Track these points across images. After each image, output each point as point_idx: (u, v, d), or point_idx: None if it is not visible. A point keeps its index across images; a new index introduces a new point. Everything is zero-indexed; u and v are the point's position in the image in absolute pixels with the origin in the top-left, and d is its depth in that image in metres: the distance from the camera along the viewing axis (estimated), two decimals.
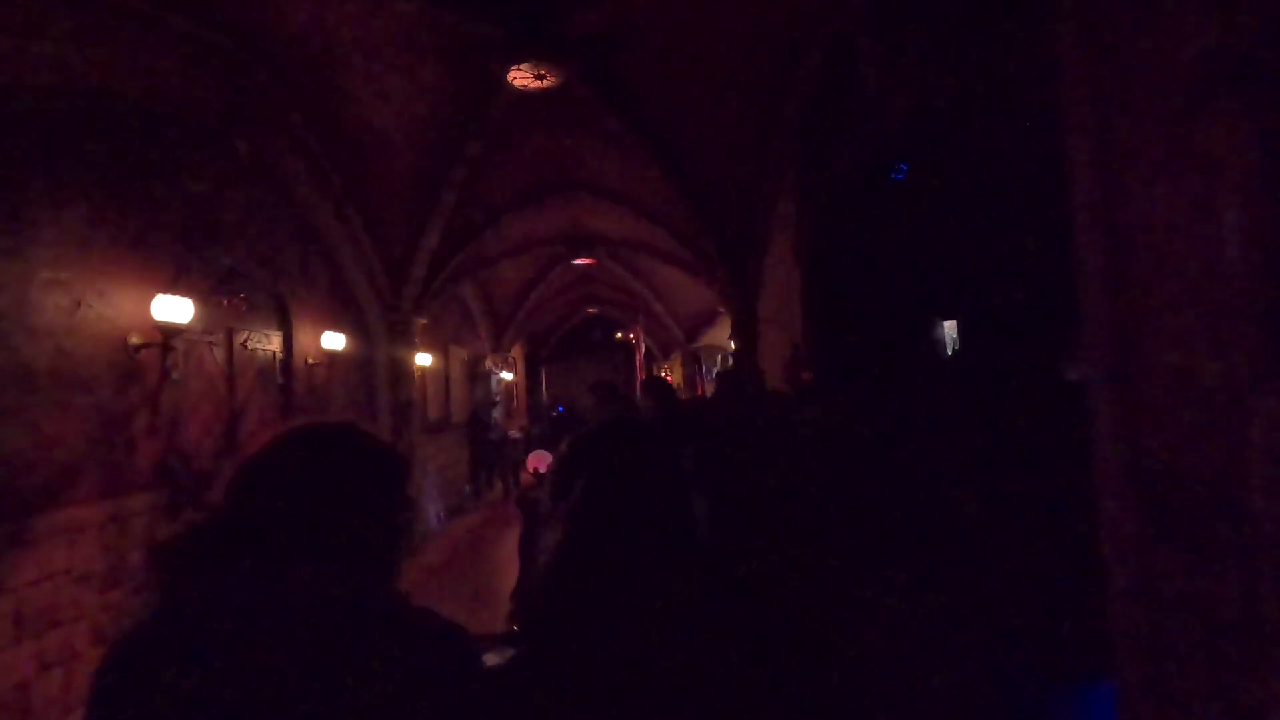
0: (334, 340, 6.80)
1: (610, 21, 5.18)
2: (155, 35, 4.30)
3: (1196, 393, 1.13)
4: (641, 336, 16.49)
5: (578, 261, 12.89)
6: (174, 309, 4.25)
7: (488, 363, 14.30)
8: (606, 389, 5.21)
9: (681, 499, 1.06)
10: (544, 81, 5.72)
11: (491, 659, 1.01)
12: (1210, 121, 1.09)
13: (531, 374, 21.76)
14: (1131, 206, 1.33)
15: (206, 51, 4.79)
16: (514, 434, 14.28)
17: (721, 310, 10.92)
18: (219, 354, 5.16)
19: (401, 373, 8.66)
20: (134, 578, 4.03)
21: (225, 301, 5.26)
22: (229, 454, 5.17)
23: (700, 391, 15.74)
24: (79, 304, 3.78)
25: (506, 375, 15.93)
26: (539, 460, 3.90)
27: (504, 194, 8.54)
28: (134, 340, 4.14)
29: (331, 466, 0.97)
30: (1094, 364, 1.50)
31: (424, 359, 9.61)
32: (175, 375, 4.59)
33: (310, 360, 6.49)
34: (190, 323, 4.45)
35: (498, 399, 14.43)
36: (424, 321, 9.07)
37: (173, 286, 4.40)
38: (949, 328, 6.89)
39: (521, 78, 5.69)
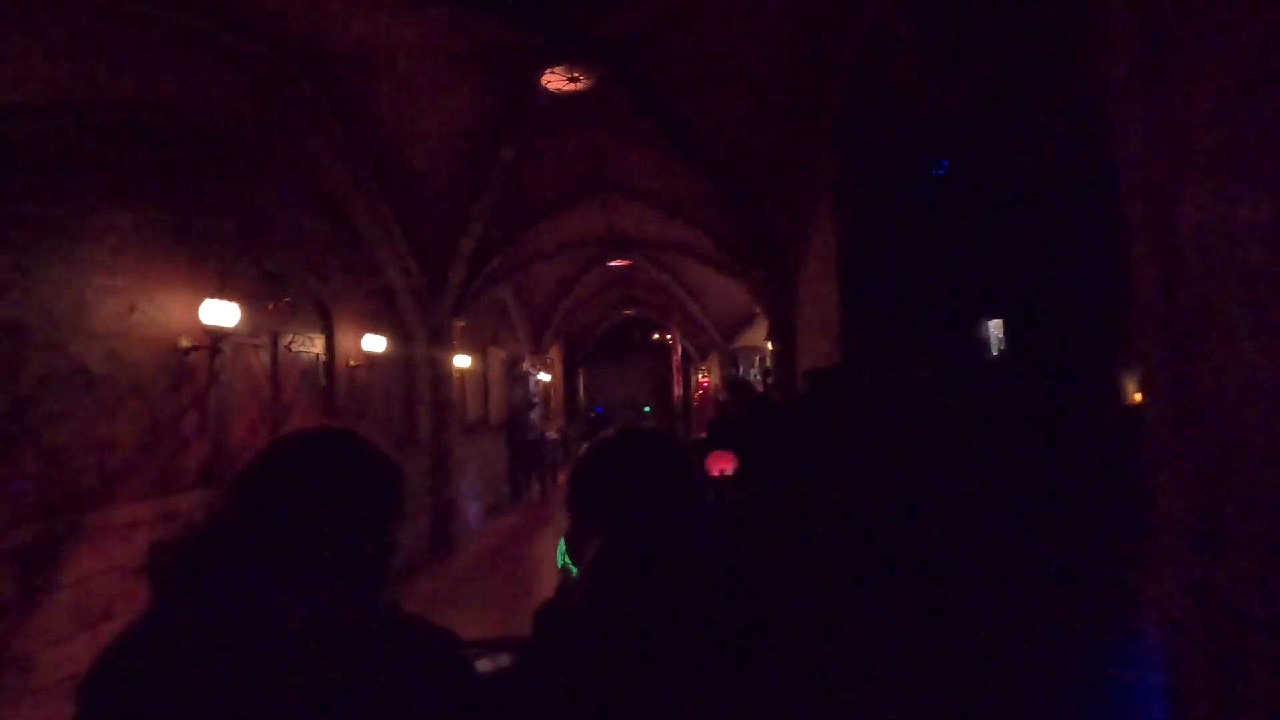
0: (374, 342, 6.94)
1: (642, 24, 5.17)
2: (204, 51, 4.46)
3: (1260, 393, 1.05)
4: (678, 338, 16.44)
5: (614, 263, 12.94)
6: (221, 313, 4.38)
7: (526, 364, 14.43)
8: (742, 386, 5.43)
9: (697, 509, 1.05)
10: (577, 84, 5.74)
11: (485, 665, 1.00)
12: (1274, 100, 1.01)
13: (569, 375, 21.90)
14: (1187, 194, 1.25)
15: (251, 65, 4.94)
16: (551, 435, 14.38)
17: (758, 311, 10.80)
18: (264, 356, 5.31)
19: (440, 374, 8.80)
20: None
21: (270, 305, 5.41)
22: None
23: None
24: (132, 309, 3.93)
25: (544, 376, 16.05)
26: (724, 462, 3.79)
27: (540, 197, 8.61)
28: (184, 343, 4.29)
29: (328, 473, 0.97)
30: (1147, 362, 1.42)
31: (462, 360, 9.74)
32: (223, 377, 4.74)
33: (352, 362, 6.64)
34: (236, 326, 4.60)
35: (536, 400, 14.56)
36: (462, 324, 9.20)
37: (220, 291, 4.55)
38: (994, 327, 6.68)
39: (555, 81, 5.73)
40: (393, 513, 1.03)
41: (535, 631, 0.95)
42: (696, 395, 19.14)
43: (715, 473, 3.96)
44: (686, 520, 1.02)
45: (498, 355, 12.75)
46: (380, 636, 0.87)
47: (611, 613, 0.90)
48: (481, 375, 11.65)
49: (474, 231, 7.97)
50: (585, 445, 1.12)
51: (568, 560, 1.17)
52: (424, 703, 0.84)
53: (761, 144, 6.66)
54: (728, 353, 15.91)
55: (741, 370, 16.41)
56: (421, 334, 8.56)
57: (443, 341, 8.82)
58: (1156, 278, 1.39)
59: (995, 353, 6.62)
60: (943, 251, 6.24)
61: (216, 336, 4.42)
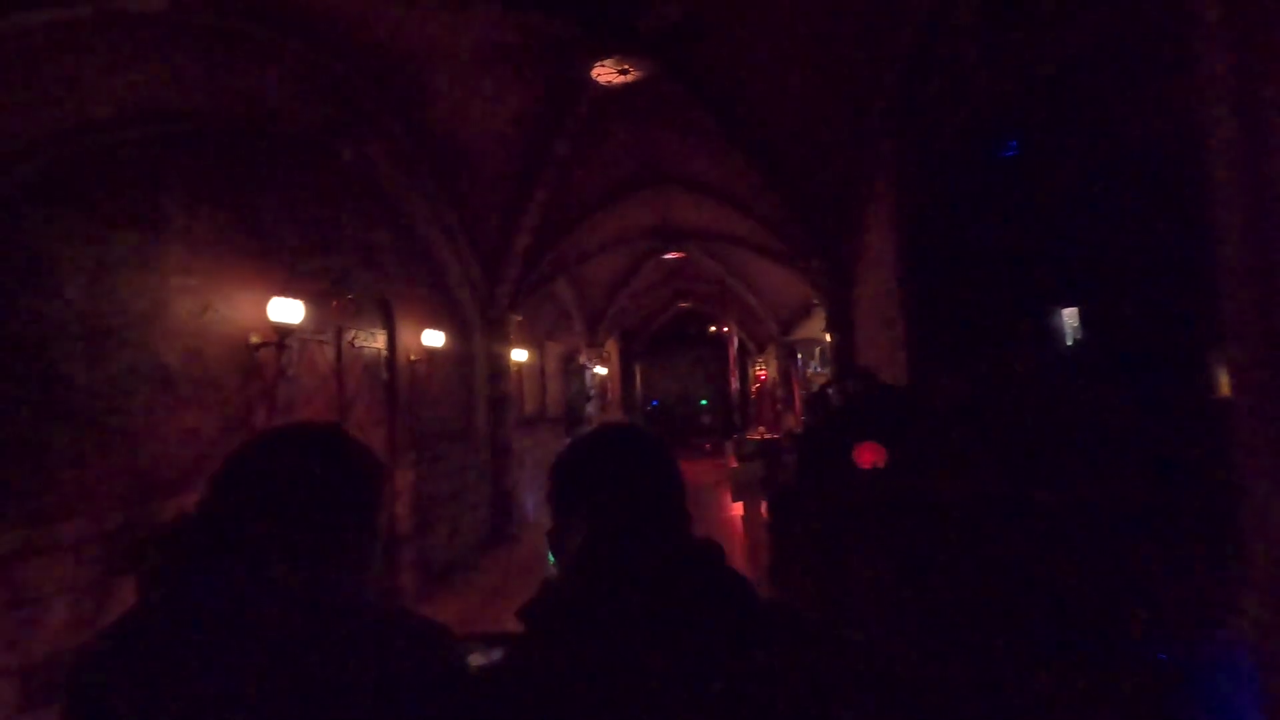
0: (434, 337, 7.12)
1: (690, 12, 5.09)
2: (270, 59, 4.64)
3: None
4: (734, 330, 16.26)
5: (668, 256, 12.89)
6: (287, 310, 4.57)
7: (582, 357, 14.57)
8: (864, 375, 5.41)
9: (681, 504, 1.04)
10: (627, 76, 5.71)
11: (478, 659, 1.00)
12: None
13: (625, 368, 21.99)
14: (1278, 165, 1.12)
15: (314, 71, 5.11)
16: None
17: (816, 302, 10.56)
18: (329, 352, 5.52)
19: (498, 368, 8.97)
20: None
21: (334, 303, 5.61)
22: None
23: (795, 387, 15.33)
24: (206, 307, 4.14)
25: (600, 370, 16.17)
26: (874, 454, 3.76)
27: (593, 191, 8.64)
28: (253, 340, 4.49)
29: (313, 467, 0.97)
30: (1238, 354, 1.29)
31: (519, 354, 9.90)
32: (290, 372, 4.95)
33: (412, 357, 6.83)
34: (302, 323, 4.78)
35: (592, 393, 14.68)
36: (519, 318, 9.35)
37: (286, 289, 4.74)
38: (1068, 316, 6.33)
39: (605, 74, 5.72)
40: (375, 506, 1.03)
41: (522, 627, 0.94)
42: (754, 388, 18.91)
43: (866, 465, 3.86)
44: (669, 516, 1.01)
45: (554, 349, 12.90)
46: (369, 630, 0.87)
47: (594, 609, 0.90)
48: (538, 369, 11.82)
49: (528, 226, 8.06)
50: (567, 441, 1.11)
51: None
52: (413, 697, 0.83)
53: (817, 130, 6.48)
54: (785, 345, 15.63)
55: (800, 362, 16.12)
56: (479, 329, 8.74)
57: (500, 336, 8.98)
58: (1251, 265, 1.26)
59: (1070, 343, 6.28)
60: (1011, 236, 5.94)
61: (283, 333, 4.61)
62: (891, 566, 3.49)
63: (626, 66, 5.57)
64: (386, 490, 1.11)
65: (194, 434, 3.96)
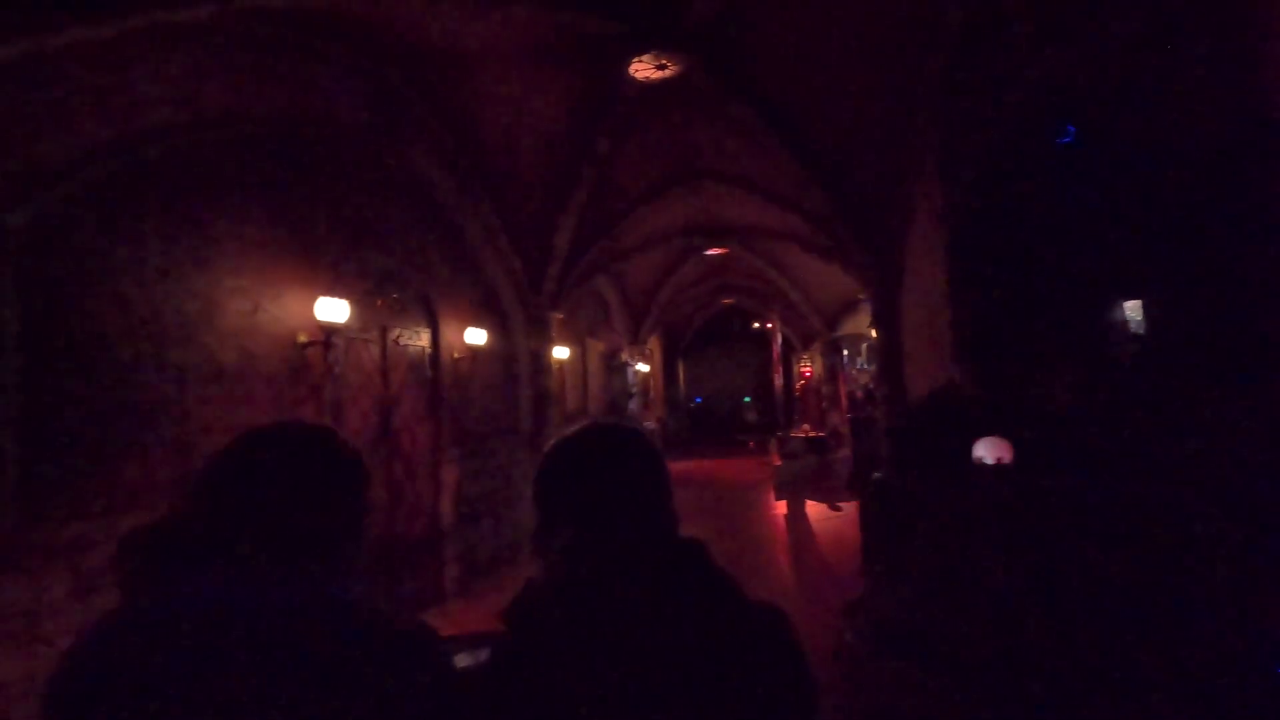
0: (477, 335, 7.23)
1: (728, 5, 5.02)
2: (315, 64, 4.78)
3: None
4: (778, 326, 16.06)
5: (710, 252, 12.80)
6: (333, 309, 4.70)
7: (624, 355, 14.61)
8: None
9: (668, 504, 1.03)
10: (666, 72, 5.68)
11: (465, 660, 1.00)
12: None
13: (669, 365, 21.98)
14: None
15: (359, 75, 5.25)
16: (649, 425, 14.48)
17: (862, 297, 10.33)
18: (374, 350, 5.65)
19: (540, 366, 9.05)
20: None
21: (379, 302, 5.75)
22: (385, 440, 5.67)
23: (841, 384, 15.05)
24: (256, 307, 4.29)
25: (643, 367, 16.19)
26: (1002, 450, 3.72)
27: (633, 188, 8.64)
28: (301, 338, 4.64)
29: (297, 467, 0.96)
30: None
31: (561, 352, 9.97)
32: (337, 369, 5.09)
33: (456, 354, 6.95)
34: (348, 322, 4.92)
35: (634, 390, 14.71)
36: (560, 316, 9.41)
37: (332, 289, 4.88)
38: (1131, 309, 6.03)
39: (643, 70, 5.70)
40: (360, 506, 1.02)
41: (506, 628, 0.94)
42: (798, 385, 18.65)
43: (993, 461, 3.76)
44: (653, 516, 1.00)
45: (596, 346, 12.97)
46: (354, 633, 0.86)
47: (576, 610, 0.89)
48: (580, 366, 11.90)
49: (569, 225, 8.10)
50: (551, 441, 1.10)
51: None
52: (399, 698, 0.83)
53: (860, 120, 6.33)
54: (830, 341, 15.36)
55: (847, 359, 15.81)
56: (521, 327, 8.83)
57: (542, 334, 9.06)
58: None
59: (1134, 336, 5.98)
60: (1068, 226, 5.69)
61: (329, 331, 4.75)
62: (1022, 569, 3.36)
63: (664, 61, 5.54)
64: (372, 490, 1.08)
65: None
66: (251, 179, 4.35)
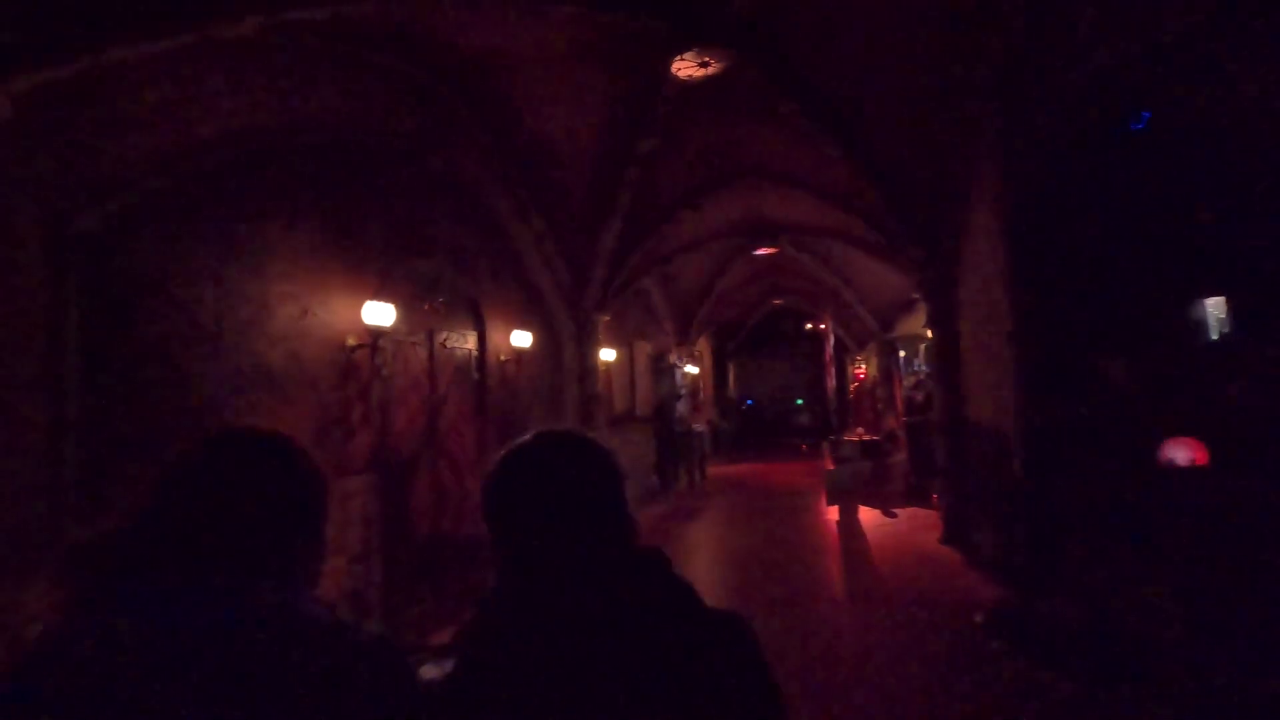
0: (522, 338, 7.29)
1: None
2: (363, 74, 4.89)
3: None
4: (831, 327, 15.69)
5: (759, 252, 12.60)
6: (380, 313, 4.80)
7: (672, 356, 14.53)
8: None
9: (623, 512, 1.01)
10: (708, 69, 5.59)
11: (430, 671, 0.98)
12: None
13: (719, 367, 21.78)
14: None
15: (403, 83, 5.34)
16: (698, 427, 14.35)
17: (917, 296, 9.98)
18: (421, 353, 5.75)
19: (586, 368, 9.08)
20: (351, 549, 4.63)
21: (426, 305, 5.85)
22: (432, 441, 5.75)
23: (896, 386, 14.60)
24: (305, 312, 4.41)
25: (692, 369, 16.08)
26: (1195, 451, 3.60)
27: (679, 188, 8.57)
28: (350, 342, 4.74)
29: (255, 475, 0.93)
30: None
31: (608, 354, 9.98)
32: (385, 372, 5.19)
33: (502, 357, 7.02)
34: (395, 325, 5.01)
35: (683, 392, 14.61)
36: (606, 318, 9.42)
37: (379, 293, 4.98)
38: (1213, 306, 5.61)
39: (686, 68, 5.62)
40: (319, 515, 1.00)
41: (461, 646, 0.93)
42: (852, 387, 18.19)
43: (1185, 462, 3.59)
44: (606, 526, 0.98)
45: (644, 348, 12.94)
46: (315, 644, 0.84)
47: (531, 625, 0.89)
48: (627, 368, 11.88)
49: (613, 227, 8.09)
50: (500, 451, 1.06)
51: None
52: (362, 711, 0.82)
53: (913, 109, 6.10)
54: (885, 342, 14.91)
55: (902, 360, 15.33)
56: (567, 329, 8.87)
57: (587, 336, 9.08)
58: None
59: (1216, 336, 5.57)
60: (1143, 218, 5.34)
61: (376, 335, 4.84)
62: (1222, 576, 3.18)
63: (707, 59, 5.45)
64: (330, 500, 1.04)
65: (294, 430, 4.21)
66: (302, 187, 4.48)
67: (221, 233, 3.85)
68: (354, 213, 4.97)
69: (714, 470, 15.59)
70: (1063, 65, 4.56)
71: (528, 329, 7.47)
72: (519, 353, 7.28)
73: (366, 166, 5.23)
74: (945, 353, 7.73)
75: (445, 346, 6.10)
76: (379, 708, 0.83)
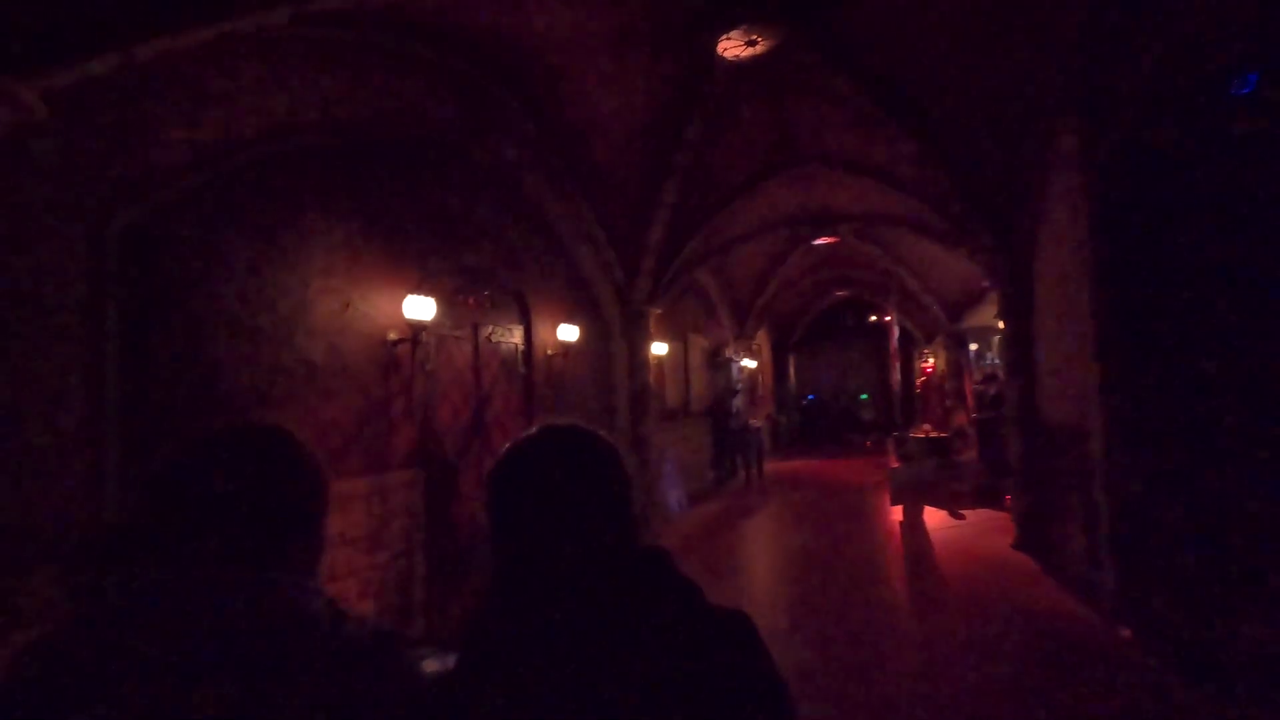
0: (571, 332, 7.19)
1: None
2: (405, 68, 4.85)
3: None
4: (895, 319, 15.05)
5: (819, 241, 12.15)
6: (421, 307, 4.76)
7: (728, 350, 14.22)
8: None
9: (626, 509, 1.00)
10: (756, 48, 5.33)
11: (433, 665, 0.96)
12: None
13: (779, 361, 21.29)
14: None
15: (445, 75, 5.28)
16: (755, 423, 14.02)
17: (988, 285, 9.38)
18: (466, 347, 5.72)
19: (637, 362, 8.92)
20: (394, 544, 4.63)
21: (470, 300, 5.81)
22: (477, 436, 5.72)
23: (967, 381, 13.86)
24: (346, 306, 4.41)
25: (749, 363, 15.72)
26: None
27: (732, 176, 8.29)
28: (392, 336, 4.73)
29: (255, 469, 0.94)
30: None
31: (659, 348, 9.80)
32: (429, 367, 5.17)
33: (549, 351, 6.94)
34: (439, 319, 4.98)
35: (739, 387, 14.29)
36: (658, 311, 9.24)
37: (422, 287, 4.95)
38: None
39: (733, 47, 5.37)
40: (320, 508, 1.00)
41: (461, 643, 0.92)
42: (919, 382, 17.40)
43: None
44: (608, 521, 0.96)
45: (699, 342, 12.69)
46: (317, 638, 0.84)
47: (531, 622, 0.88)
48: (681, 362, 11.68)
49: (663, 217, 7.89)
50: (506, 445, 1.05)
51: None
52: (364, 705, 0.82)
53: (981, 83, 5.64)
54: (954, 334, 14.18)
55: (973, 353, 14.55)
56: (617, 323, 8.74)
57: (638, 329, 8.92)
58: None
59: None
60: (1248, 198, 4.77)
61: (417, 329, 4.82)
62: None
63: (754, 36, 5.19)
64: (328, 491, 1.04)
65: (335, 425, 4.23)
66: (341, 180, 4.48)
67: (260, 228, 3.87)
68: (395, 207, 4.96)
69: (773, 466, 15.23)
70: (1154, 23, 4.08)
71: (575, 322, 7.37)
72: (566, 347, 7.18)
73: (408, 160, 5.22)
74: (1018, 345, 7.21)
75: (490, 340, 6.06)
76: (377, 699, 0.83)
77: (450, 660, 0.93)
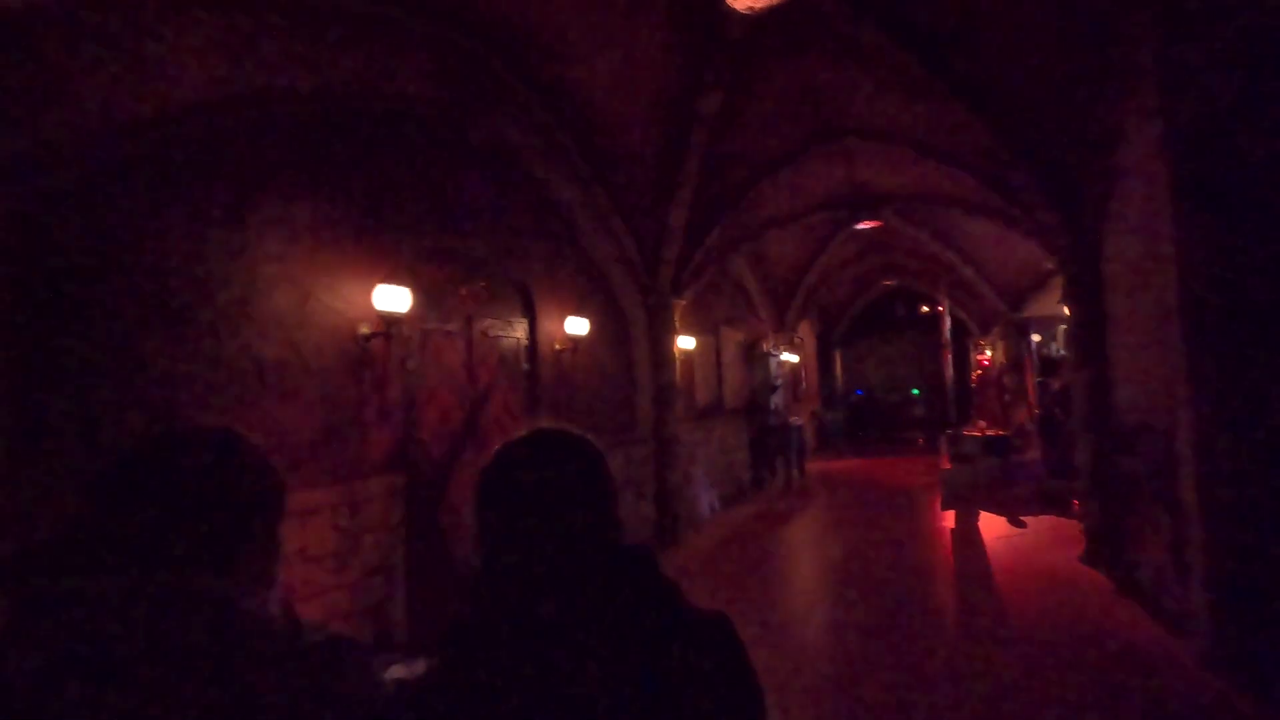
0: (582, 325, 6.67)
1: None
2: (390, 37, 4.41)
3: None
4: (947, 308, 14.02)
5: (861, 226, 11.32)
6: (394, 298, 4.31)
7: (767, 344, 13.48)
8: None
9: (610, 515, 1.00)
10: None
11: (398, 671, 0.96)
12: None
13: (823, 355, 20.35)
14: None
15: (439, 48, 4.83)
16: (796, 420, 13.24)
17: (1052, 266, 8.45)
18: (458, 343, 5.26)
19: (661, 357, 8.34)
20: (367, 561, 4.20)
21: (463, 290, 5.34)
22: (469, 441, 5.26)
23: (1028, 374, 12.78)
24: (307, 297, 3.98)
25: (789, 357, 14.92)
26: None
27: (759, 153, 7.61)
28: (364, 330, 4.29)
29: (205, 473, 0.91)
30: None
31: (687, 342, 9.19)
32: (410, 365, 4.73)
33: (557, 346, 6.44)
34: (419, 312, 4.53)
35: (778, 382, 13.53)
36: (684, 301, 8.63)
37: (399, 277, 4.49)
38: None
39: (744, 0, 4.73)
40: (275, 514, 0.98)
41: (441, 646, 0.91)
42: (974, 375, 16.25)
43: None
44: (589, 524, 0.97)
45: (732, 335, 12.01)
46: (277, 646, 0.83)
47: (510, 620, 0.89)
48: (713, 357, 11.04)
49: (684, 199, 7.28)
50: (495, 449, 1.04)
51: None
52: (319, 710, 0.81)
53: (1039, 32, 4.85)
54: (1014, 323, 13.10)
55: (1035, 345, 13.43)
56: (638, 315, 8.18)
57: (662, 322, 8.34)
58: None
59: None
60: None
61: (390, 322, 4.36)
62: None
63: None
64: (282, 496, 0.99)
65: (293, 429, 3.81)
66: (305, 159, 4.05)
67: (198, 209, 3.45)
68: (373, 190, 4.50)
69: (817, 466, 14.43)
70: None
71: (588, 315, 6.85)
72: (577, 341, 6.66)
73: (397, 139, 4.77)
74: (1088, 333, 6.34)
75: (488, 335, 5.58)
76: (335, 706, 0.82)
77: (419, 666, 0.93)
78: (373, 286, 4.32)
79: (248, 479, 0.94)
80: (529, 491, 0.96)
